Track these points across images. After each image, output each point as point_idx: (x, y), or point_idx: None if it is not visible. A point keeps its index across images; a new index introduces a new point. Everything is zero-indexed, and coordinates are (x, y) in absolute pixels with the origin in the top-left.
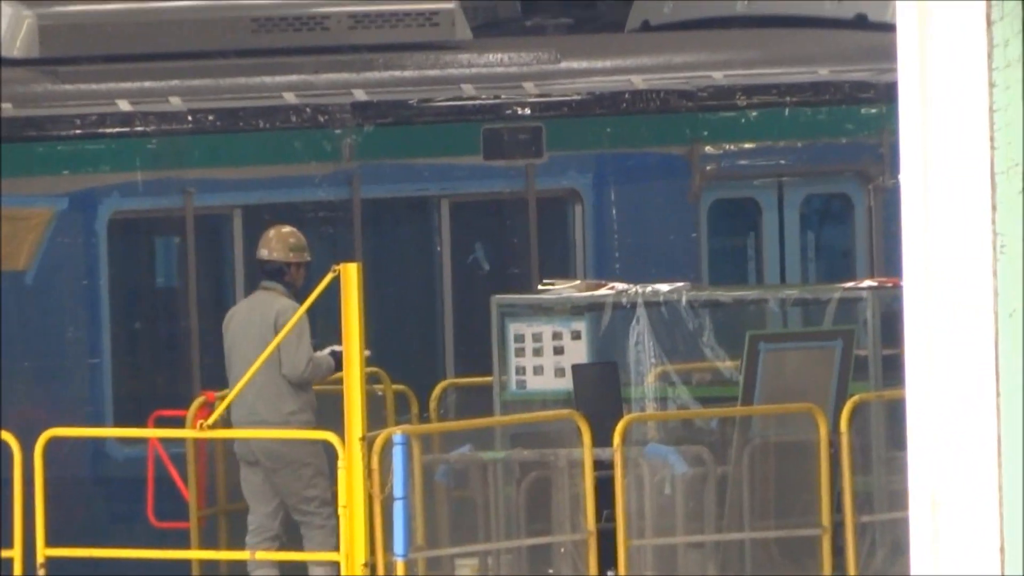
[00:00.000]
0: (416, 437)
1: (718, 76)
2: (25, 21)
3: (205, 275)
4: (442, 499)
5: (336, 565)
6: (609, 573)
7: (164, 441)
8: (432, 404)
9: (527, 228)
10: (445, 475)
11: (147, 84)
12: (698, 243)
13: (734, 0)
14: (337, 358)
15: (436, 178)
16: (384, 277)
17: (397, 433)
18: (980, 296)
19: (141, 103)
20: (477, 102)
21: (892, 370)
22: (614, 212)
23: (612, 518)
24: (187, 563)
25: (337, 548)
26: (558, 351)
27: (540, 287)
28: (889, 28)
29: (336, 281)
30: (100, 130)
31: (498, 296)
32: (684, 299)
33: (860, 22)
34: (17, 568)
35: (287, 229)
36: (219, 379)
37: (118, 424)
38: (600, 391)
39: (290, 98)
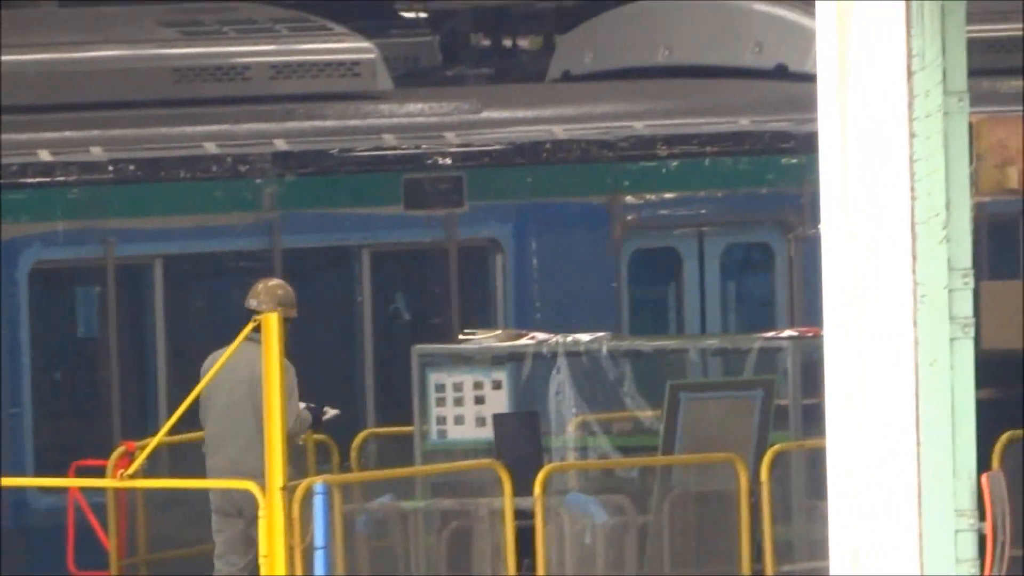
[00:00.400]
0: (337, 486)
1: (639, 126)
2: None
3: (126, 324)
4: (363, 548)
5: None
6: None
7: (85, 490)
8: (353, 453)
9: (448, 277)
10: (366, 524)
11: (68, 134)
12: (619, 292)
13: (655, 50)
14: (314, 414)
15: (357, 228)
16: (305, 326)
17: (318, 482)
18: (901, 346)
19: (62, 153)
20: (398, 152)
21: (812, 420)
22: (535, 261)
23: (533, 567)
24: None
25: None
26: (479, 400)
27: (461, 337)
28: (810, 78)
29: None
30: (21, 180)
31: (419, 346)
32: (605, 349)
33: (781, 72)
34: None
35: (275, 282)
36: (139, 429)
37: (39, 473)
38: (521, 440)
39: (211, 148)
